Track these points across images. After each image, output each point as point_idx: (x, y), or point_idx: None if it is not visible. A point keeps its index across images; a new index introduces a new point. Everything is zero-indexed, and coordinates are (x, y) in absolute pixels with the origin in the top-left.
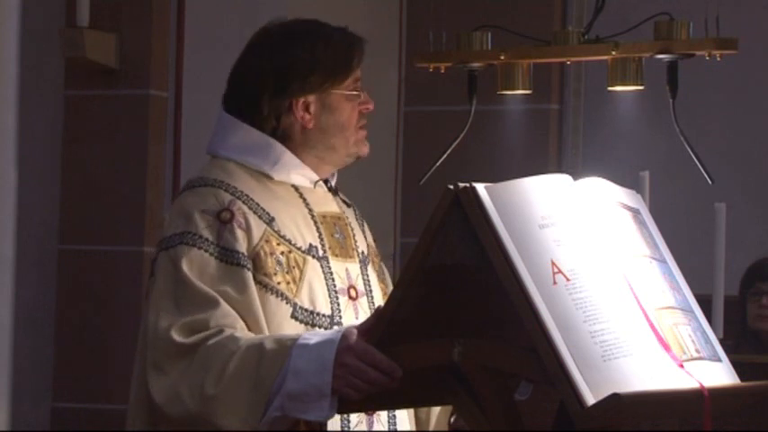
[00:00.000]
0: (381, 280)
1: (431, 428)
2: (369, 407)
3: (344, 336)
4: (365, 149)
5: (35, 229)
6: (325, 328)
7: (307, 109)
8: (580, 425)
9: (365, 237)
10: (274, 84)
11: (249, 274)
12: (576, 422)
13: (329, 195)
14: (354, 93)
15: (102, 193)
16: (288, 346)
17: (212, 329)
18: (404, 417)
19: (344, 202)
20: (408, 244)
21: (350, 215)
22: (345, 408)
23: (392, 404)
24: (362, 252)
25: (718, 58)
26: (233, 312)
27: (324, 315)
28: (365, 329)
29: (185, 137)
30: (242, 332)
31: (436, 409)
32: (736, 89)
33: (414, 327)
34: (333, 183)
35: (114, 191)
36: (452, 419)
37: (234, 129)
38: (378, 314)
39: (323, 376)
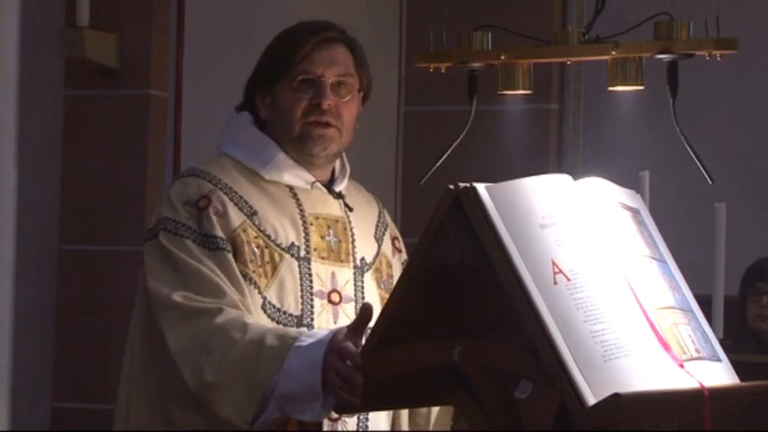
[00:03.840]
0: (386, 290)
1: (430, 429)
2: (368, 407)
3: (334, 335)
4: (317, 148)
5: (35, 229)
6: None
7: (263, 102)
8: (580, 425)
9: (379, 245)
10: (252, 81)
11: (230, 257)
12: (576, 422)
13: (329, 198)
14: (296, 84)
15: (102, 193)
16: (289, 345)
17: (214, 304)
18: (379, 417)
19: (347, 206)
20: (408, 244)
21: (355, 220)
22: (345, 408)
23: (392, 404)
24: (362, 258)
25: (719, 58)
26: (230, 291)
27: (291, 315)
28: (354, 327)
29: (185, 137)
30: (247, 317)
31: (435, 410)
32: (736, 89)
33: (414, 327)
34: (340, 188)
35: (114, 191)
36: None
37: (235, 126)
38: (369, 314)
39: (312, 376)
